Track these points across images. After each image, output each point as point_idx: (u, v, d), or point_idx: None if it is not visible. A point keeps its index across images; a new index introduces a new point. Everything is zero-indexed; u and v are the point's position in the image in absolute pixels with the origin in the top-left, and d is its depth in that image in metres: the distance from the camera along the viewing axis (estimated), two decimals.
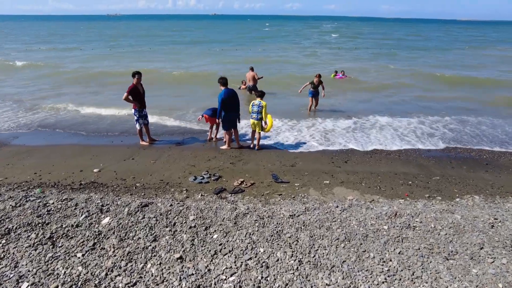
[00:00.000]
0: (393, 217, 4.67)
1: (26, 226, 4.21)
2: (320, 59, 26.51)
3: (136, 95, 8.04)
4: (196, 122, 10.09)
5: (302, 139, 9.11)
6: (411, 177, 6.72)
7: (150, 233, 4.16)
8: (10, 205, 4.73)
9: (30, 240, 3.94)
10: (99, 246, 3.91)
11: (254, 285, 3.32)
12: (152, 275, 3.46)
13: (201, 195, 5.52)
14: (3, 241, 3.92)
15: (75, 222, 4.33)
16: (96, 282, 3.34)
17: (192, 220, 4.44)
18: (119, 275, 3.46)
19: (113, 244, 3.94)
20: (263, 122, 8.04)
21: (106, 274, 3.45)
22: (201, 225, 4.34)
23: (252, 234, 4.17)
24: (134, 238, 4.07)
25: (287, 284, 3.34)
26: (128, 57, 26.44)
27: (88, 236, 4.08)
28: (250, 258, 3.70)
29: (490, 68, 22.01)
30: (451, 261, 3.73)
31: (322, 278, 3.42)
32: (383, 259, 3.74)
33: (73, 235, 4.08)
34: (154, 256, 3.76)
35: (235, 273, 3.48)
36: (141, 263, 3.64)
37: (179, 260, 3.68)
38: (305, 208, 4.92)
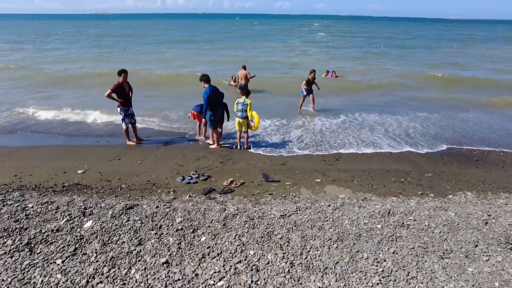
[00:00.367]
0: (386, 215, 4.57)
1: (2, 232, 3.97)
2: (310, 58, 26.43)
3: (121, 94, 7.81)
4: (182, 122, 9.86)
5: (293, 138, 8.97)
6: (404, 174, 6.65)
7: (135, 237, 3.97)
8: None
9: (6, 247, 3.71)
10: (81, 252, 3.71)
11: None
12: (136, 282, 3.28)
13: (189, 196, 5.34)
14: None
15: (55, 227, 4.11)
16: None
17: (179, 223, 4.26)
18: (101, 282, 3.26)
19: (96, 249, 3.74)
20: (249, 121, 7.83)
21: (87, 282, 3.26)
22: (189, 228, 4.16)
23: (242, 235, 4.02)
24: (118, 242, 3.88)
25: None
26: (114, 57, 25.89)
27: (69, 241, 3.86)
28: (240, 261, 3.54)
29: (480, 67, 22.18)
30: (446, 260, 3.64)
31: (314, 281, 3.28)
32: (377, 259, 3.63)
33: (53, 241, 3.87)
34: (139, 261, 3.58)
35: (224, 277, 3.32)
36: (124, 269, 3.45)
37: (165, 265, 3.50)
38: (297, 208, 4.78)
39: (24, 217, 4.29)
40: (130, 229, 4.12)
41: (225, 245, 3.82)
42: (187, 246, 3.82)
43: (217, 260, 3.57)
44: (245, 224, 4.27)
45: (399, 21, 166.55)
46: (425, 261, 3.61)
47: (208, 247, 3.78)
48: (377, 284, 3.26)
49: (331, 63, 20.75)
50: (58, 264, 3.47)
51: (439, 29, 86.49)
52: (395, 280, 3.32)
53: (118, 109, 7.99)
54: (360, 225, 4.32)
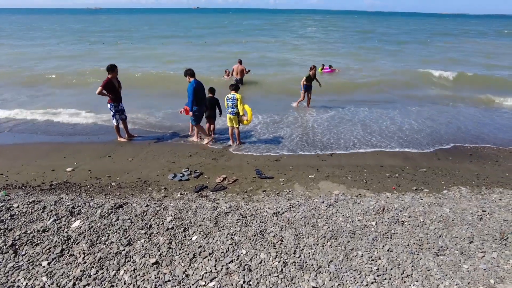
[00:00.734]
0: (380, 212, 4.51)
1: None
2: (303, 53, 26.20)
3: (112, 90, 7.64)
4: (175, 118, 9.69)
5: (286, 133, 8.88)
6: (398, 169, 6.61)
7: (124, 237, 3.86)
8: None
9: None
10: (68, 253, 3.59)
11: None
12: (125, 283, 3.18)
13: (181, 194, 5.23)
14: None
15: (41, 227, 3.98)
16: None
17: (169, 221, 4.15)
18: (88, 284, 3.16)
19: (83, 250, 3.63)
20: (242, 116, 7.67)
21: (74, 284, 3.15)
22: (179, 226, 4.06)
23: (234, 234, 3.93)
24: (107, 243, 3.76)
25: None
26: (106, 54, 25.38)
27: (56, 242, 3.74)
28: (232, 261, 3.45)
29: (473, 63, 22.11)
30: (441, 257, 3.59)
31: (308, 280, 3.21)
32: (371, 257, 3.56)
33: (38, 242, 3.74)
34: (128, 261, 3.47)
35: (215, 278, 3.23)
36: (113, 270, 3.34)
37: (154, 265, 3.40)
38: (290, 205, 4.70)
39: (9, 218, 4.14)
40: (119, 228, 4.00)
41: (216, 244, 3.73)
42: (178, 245, 3.72)
43: (208, 260, 3.48)
44: (237, 222, 4.18)
45: (392, 16, 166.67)
46: (420, 258, 3.56)
47: (199, 247, 3.69)
48: (372, 283, 3.20)
49: (325, 58, 20.54)
50: (44, 266, 3.35)
51: (432, 23, 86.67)
52: (390, 279, 3.26)
53: (108, 105, 7.82)
54: (354, 222, 4.25)
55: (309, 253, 3.62)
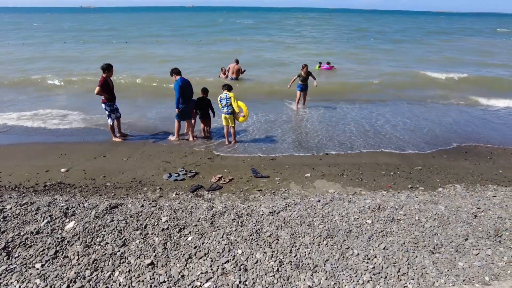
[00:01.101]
0: (376, 210, 4.52)
1: None
2: (298, 52, 26.12)
3: (106, 89, 7.59)
4: (170, 118, 9.62)
5: (281, 133, 8.87)
6: (393, 167, 6.63)
7: (119, 238, 3.83)
8: None
9: None
10: (62, 255, 3.55)
11: None
12: (120, 285, 3.15)
13: (176, 194, 5.20)
14: None
15: (35, 229, 3.93)
16: None
17: (164, 222, 4.13)
18: (82, 286, 3.12)
19: (78, 251, 3.59)
20: (238, 113, 7.64)
21: (68, 286, 3.11)
22: (175, 227, 4.04)
23: (230, 234, 3.91)
24: (101, 244, 3.73)
25: None
26: (99, 54, 25.17)
27: (50, 243, 3.70)
28: (228, 261, 3.44)
29: (467, 62, 22.13)
30: (436, 254, 3.60)
31: (304, 280, 3.20)
32: (367, 256, 3.57)
33: (32, 244, 3.70)
34: (123, 263, 3.44)
35: (211, 278, 3.21)
36: (108, 272, 3.31)
37: (150, 266, 3.38)
38: (286, 204, 4.69)
39: (2, 220, 4.09)
40: (114, 229, 3.97)
41: (212, 245, 3.71)
42: (173, 246, 3.70)
43: (204, 260, 3.46)
44: (233, 222, 4.16)
45: (387, 14, 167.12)
46: (416, 256, 3.56)
47: (195, 247, 3.67)
48: (368, 281, 3.21)
49: (321, 58, 20.44)
50: (37, 269, 3.31)
51: (428, 21, 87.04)
52: (386, 277, 3.26)
53: (103, 105, 7.76)
54: (350, 220, 4.25)
55: (305, 252, 3.61)
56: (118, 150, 7.41)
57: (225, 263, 3.41)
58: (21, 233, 3.84)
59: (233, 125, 7.76)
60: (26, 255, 3.51)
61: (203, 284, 3.15)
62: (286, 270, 3.33)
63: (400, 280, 3.23)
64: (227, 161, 6.84)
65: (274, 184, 5.73)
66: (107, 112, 7.82)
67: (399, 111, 11.16)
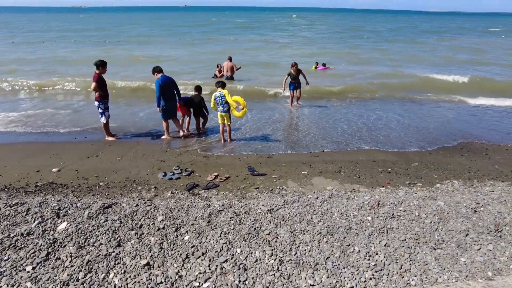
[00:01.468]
0: (375, 206, 4.46)
1: None
2: (292, 53, 26.00)
3: (101, 86, 7.46)
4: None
5: (278, 130, 8.80)
6: (390, 164, 6.59)
7: (114, 238, 3.71)
8: None
9: None
10: (54, 256, 3.42)
11: None
12: (115, 287, 3.04)
13: (171, 193, 5.09)
14: None
15: (25, 230, 3.80)
16: None
17: (160, 221, 4.02)
18: None
19: (70, 253, 3.46)
20: (235, 108, 7.48)
21: None
22: (171, 226, 3.93)
23: (228, 233, 3.82)
24: (95, 245, 3.61)
25: (267, 287, 3.02)
26: (91, 54, 24.89)
27: (41, 245, 3.56)
28: (226, 260, 3.34)
29: (459, 61, 22.16)
30: (438, 250, 3.55)
31: (305, 278, 3.12)
32: (369, 252, 3.50)
33: (22, 246, 3.56)
34: (118, 263, 3.33)
35: (210, 278, 3.12)
36: (102, 273, 3.20)
37: (146, 267, 3.27)
38: (284, 201, 4.61)
39: None
40: (108, 229, 3.85)
41: (210, 244, 3.61)
42: (170, 246, 3.59)
43: (202, 260, 3.36)
44: (231, 220, 4.07)
45: (380, 13, 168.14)
46: (418, 252, 3.51)
47: (192, 247, 3.57)
48: (370, 278, 3.14)
49: (315, 58, 20.31)
50: (28, 271, 3.18)
51: (420, 21, 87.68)
52: (388, 274, 3.20)
53: (96, 102, 7.60)
54: (349, 217, 4.19)
55: (305, 250, 3.54)
56: (111, 149, 7.26)
57: (223, 262, 3.32)
58: (11, 235, 3.71)
59: (228, 123, 7.66)
60: (16, 258, 3.37)
61: (202, 284, 3.05)
62: (286, 269, 3.24)
63: (403, 277, 3.17)
64: (223, 159, 6.74)
65: (271, 181, 5.65)
66: (100, 110, 7.66)
67: (393, 109, 11.14)
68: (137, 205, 4.42)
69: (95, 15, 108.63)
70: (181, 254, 3.44)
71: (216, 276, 3.14)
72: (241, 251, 3.49)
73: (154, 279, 3.11)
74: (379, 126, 9.21)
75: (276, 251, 3.50)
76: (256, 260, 3.36)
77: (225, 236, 3.74)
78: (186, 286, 3.03)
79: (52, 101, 11.88)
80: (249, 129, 8.82)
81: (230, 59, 14.20)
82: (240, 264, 3.29)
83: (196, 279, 3.11)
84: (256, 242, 3.65)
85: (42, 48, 26.10)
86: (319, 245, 3.63)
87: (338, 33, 44.27)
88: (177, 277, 3.13)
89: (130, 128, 8.86)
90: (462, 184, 5.62)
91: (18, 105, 11.14)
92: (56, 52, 24.08)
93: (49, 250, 3.49)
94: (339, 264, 3.32)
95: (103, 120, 7.74)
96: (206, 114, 8.16)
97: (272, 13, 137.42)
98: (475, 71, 18.39)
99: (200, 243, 3.63)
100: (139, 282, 3.09)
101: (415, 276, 3.17)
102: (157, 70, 7.67)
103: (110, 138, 7.89)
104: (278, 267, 3.26)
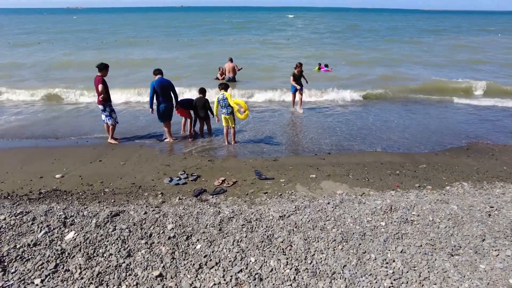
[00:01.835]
0: (388, 211, 4.39)
1: None
2: (291, 53, 25.84)
3: (105, 88, 7.38)
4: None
5: (282, 133, 8.71)
6: (398, 166, 6.52)
7: (123, 248, 3.62)
8: None
9: None
10: (62, 268, 3.33)
11: None
12: None
13: (179, 199, 4.99)
14: None
15: (32, 241, 3.70)
16: None
17: (170, 229, 3.92)
18: None
19: (80, 264, 3.37)
20: (238, 110, 7.40)
21: None
22: (182, 235, 3.84)
23: (240, 241, 3.73)
24: (105, 255, 3.51)
25: None
26: (87, 57, 24.69)
27: (49, 256, 3.47)
28: (241, 270, 3.26)
29: (457, 61, 22.05)
30: (456, 257, 3.48)
31: None
32: (385, 260, 3.43)
33: (29, 257, 3.46)
34: (129, 275, 3.24)
35: None
36: (114, 285, 3.11)
37: (158, 278, 3.18)
38: (295, 207, 4.53)
39: None
40: (117, 239, 3.75)
41: (223, 253, 3.53)
42: (182, 255, 3.50)
43: (215, 270, 3.28)
44: (242, 227, 3.99)
45: (376, 12, 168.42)
46: (435, 259, 3.44)
47: (204, 256, 3.48)
48: (389, 287, 3.06)
49: (314, 59, 20.18)
50: (37, 285, 3.09)
51: (415, 20, 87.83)
52: (407, 282, 3.13)
53: (101, 106, 7.48)
54: (363, 223, 4.11)
55: (321, 258, 3.46)
56: (114, 154, 7.15)
57: (238, 272, 3.24)
58: (17, 246, 3.60)
59: (233, 126, 7.57)
60: (23, 270, 3.28)
61: None
62: (303, 278, 3.16)
63: (423, 285, 3.10)
64: (228, 163, 6.65)
65: (279, 186, 5.57)
66: (107, 113, 7.56)
67: (396, 111, 11.06)
68: (145, 212, 4.33)
69: (89, 16, 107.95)
70: (194, 264, 3.36)
71: (232, 287, 3.05)
72: (256, 260, 3.41)
73: None
74: (381, 127, 9.14)
75: (291, 260, 3.42)
76: (272, 270, 3.28)
77: (237, 245, 3.66)
78: None
79: (51, 105, 11.74)
80: (252, 132, 8.72)
81: (231, 60, 14.10)
82: (255, 274, 3.21)
83: None
84: (270, 251, 3.57)
85: (34, 51, 25.85)
86: (335, 252, 3.55)
87: (336, 34, 44.13)
88: None
89: (131, 131, 8.73)
90: (472, 186, 5.55)
91: (15, 110, 10.99)
92: (49, 55, 23.84)
93: (58, 262, 3.40)
94: (356, 273, 3.25)
95: (111, 122, 7.64)
96: (212, 115, 7.98)
97: (268, 13, 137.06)
98: (475, 71, 18.36)
99: (212, 252, 3.55)
100: None
101: (435, 284, 3.10)
102: (156, 72, 7.65)
103: (112, 141, 7.79)
104: (294, 277, 3.18)
